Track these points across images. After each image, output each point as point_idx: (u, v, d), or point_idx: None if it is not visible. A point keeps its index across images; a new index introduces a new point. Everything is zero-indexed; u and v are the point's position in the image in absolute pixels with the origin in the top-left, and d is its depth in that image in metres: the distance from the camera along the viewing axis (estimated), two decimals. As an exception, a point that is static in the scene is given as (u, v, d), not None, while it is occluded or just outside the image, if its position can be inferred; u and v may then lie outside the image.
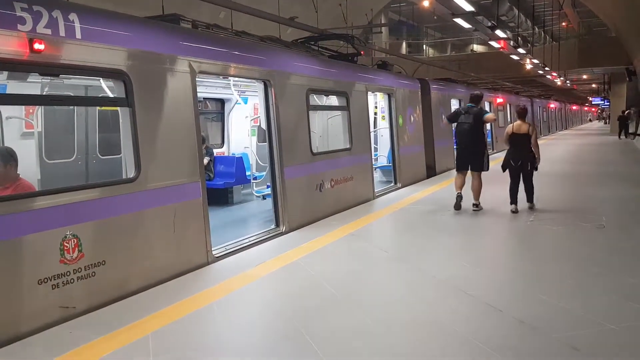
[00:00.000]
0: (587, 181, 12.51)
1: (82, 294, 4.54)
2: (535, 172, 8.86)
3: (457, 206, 8.77)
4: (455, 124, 9.20)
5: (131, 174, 5.19)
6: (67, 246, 4.43)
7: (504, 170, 8.95)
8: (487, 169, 8.96)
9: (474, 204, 8.87)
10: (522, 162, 8.68)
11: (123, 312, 4.51)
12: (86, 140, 7.92)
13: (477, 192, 8.86)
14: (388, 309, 4.60)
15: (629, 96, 30.94)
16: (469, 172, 9.05)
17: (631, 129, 26.81)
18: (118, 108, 5.41)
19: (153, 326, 4.21)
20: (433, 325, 4.21)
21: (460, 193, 8.83)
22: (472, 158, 8.85)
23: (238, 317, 4.51)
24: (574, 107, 61.60)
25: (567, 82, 37.12)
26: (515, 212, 8.56)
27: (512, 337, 3.98)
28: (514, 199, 8.68)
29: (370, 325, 4.22)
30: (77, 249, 4.50)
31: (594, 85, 48.83)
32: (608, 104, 44.72)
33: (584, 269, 5.63)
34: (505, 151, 9.18)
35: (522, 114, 9.06)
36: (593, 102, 65.33)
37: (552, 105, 38.40)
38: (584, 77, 38.97)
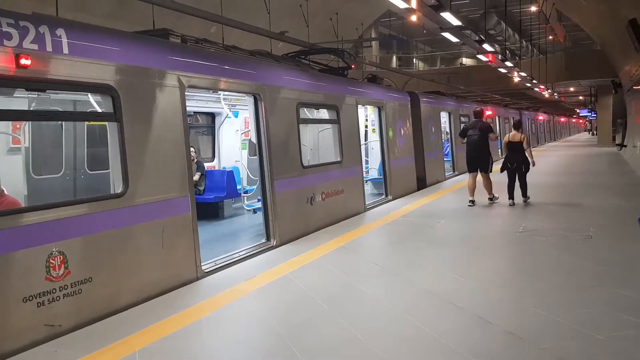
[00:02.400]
0: (574, 192, 12.59)
1: (68, 311, 4.47)
2: (527, 174, 10.62)
3: (472, 203, 10.69)
4: (466, 137, 11.17)
5: (119, 189, 5.14)
6: (53, 263, 4.36)
7: (501, 172, 10.70)
8: (491, 171, 10.86)
9: (489, 198, 10.87)
10: (517, 164, 10.53)
11: (110, 329, 4.44)
12: (74, 156, 7.86)
13: (488, 188, 10.89)
14: (378, 322, 4.58)
15: (615, 108, 31.33)
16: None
17: (618, 140, 27.10)
18: (106, 123, 5.38)
19: (140, 343, 4.15)
20: (422, 338, 4.19)
21: (473, 199, 10.73)
22: (479, 162, 10.82)
23: (227, 333, 4.46)
24: (562, 119, 62.23)
25: (555, 94, 37.53)
26: (512, 205, 10.43)
27: (500, 349, 3.98)
28: (511, 195, 10.60)
29: (360, 339, 4.19)
30: (63, 265, 4.44)
31: (581, 98, 49.37)
32: (595, 115, 45.24)
33: (572, 279, 5.64)
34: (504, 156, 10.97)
35: (517, 125, 11.12)
36: (580, 114, 66.02)
37: (540, 117, 38.76)
38: (571, 89, 39.38)
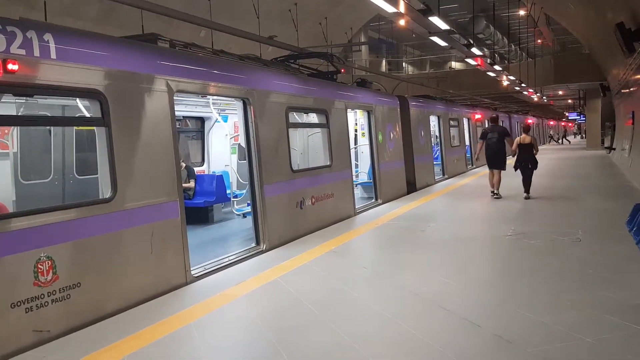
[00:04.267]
0: (564, 194, 12.69)
1: (56, 317, 4.46)
2: (535, 170, 12.22)
3: (497, 194, 12.43)
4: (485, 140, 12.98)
5: (107, 194, 5.13)
6: (41, 268, 4.35)
7: (515, 170, 12.35)
8: (505, 169, 12.69)
9: (493, 192, 12.55)
10: (526, 163, 12.15)
11: (99, 334, 4.43)
12: (63, 160, 7.83)
13: (497, 184, 12.57)
14: (368, 326, 4.59)
15: (604, 111, 31.59)
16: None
17: (607, 143, 27.37)
18: (94, 128, 5.37)
19: (129, 349, 4.14)
20: (412, 342, 4.21)
21: (493, 190, 12.52)
22: (497, 161, 12.60)
23: (216, 338, 4.46)
24: (552, 122, 62.70)
25: (544, 97, 37.81)
26: (527, 198, 11.92)
27: (489, 352, 4.00)
28: (526, 189, 12.18)
29: (349, 343, 4.20)
30: (51, 271, 4.43)
31: (569, 101, 49.78)
32: (584, 119, 45.61)
33: (560, 282, 5.68)
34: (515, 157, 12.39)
35: (526, 129, 12.76)
36: (569, 117, 66.58)
37: (529, 121, 39.04)
38: (560, 92, 39.69)
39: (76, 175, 8.00)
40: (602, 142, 30.13)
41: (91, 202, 5.11)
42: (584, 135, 50.20)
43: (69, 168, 7.90)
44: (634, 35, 12.76)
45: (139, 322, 4.67)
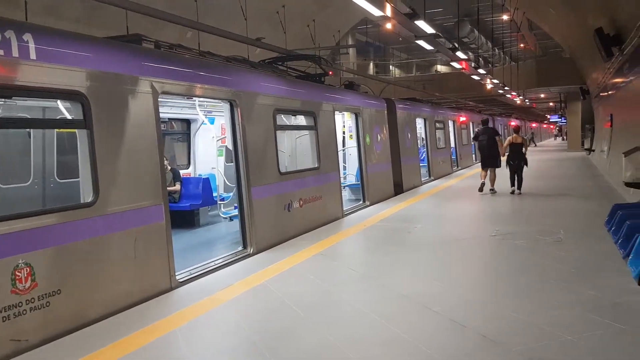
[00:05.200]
0: (546, 195, 12.81)
1: (35, 325, 4.32)
2: (525, 168, 13.22)
3: (481, 189, 13.38)
4: (477, 141, 14.13)
5: (89, 198, 5.01)
6: (19, 275, 4.21)
7: (506, 167, 13.24)
8: (499, 166, 13.52)
9: (491, 189, 13.36)
10: (517, 161, 13.06)
11: (80, 342, 4.30)
12: (43, 164, 7.65)
13: (493, 181, 13.49)
14: (355, 328, 4.54)
15: (584, 114, 32.00)
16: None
17: (587, 145, 27.70)
18: (76, 130, 5.23)
19: (112, 356, 4.03)
20: (399, 343, 4.18)
21: (484, 181, 13.49)
22: (489, 160, 13.55)
23: (202, 343, 4.36)
24: (534, 125, 63.37)
25: (526, 100, 38.20)
26: (513, 193, 13.00)
27: (474, 352, 3.99)
28: (512, 184, 13.16)
29: (338, 346, 4.15)
30: (30, 278, 4.29)
31: (551, 104, 50.39)
32: (565, 121, 46.17)
33: (543, 282, 5.71)
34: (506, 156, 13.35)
35: (517, 130, 13.70)
36: (551, 120, 67.45)
37: (512, 123, 39.43)
38: (542, 95, 40.13)
39: (57, 179, 7.83)
40: (582, 144, 30.53)
41: (72, 207, 4.97)
42: (564, 137, 50.78)
43: (49, 171, 7.72)
44: (613, 40, 13.04)
45: (122, 329, 4.55)
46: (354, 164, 13.35)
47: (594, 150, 24.27)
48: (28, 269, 4.28)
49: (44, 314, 4.39)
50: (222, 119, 10.51)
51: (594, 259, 6.58)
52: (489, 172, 13.59)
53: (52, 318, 4.46)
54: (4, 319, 4.10)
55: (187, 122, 11.37)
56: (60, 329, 4.48)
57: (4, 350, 4.06)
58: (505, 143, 13.41)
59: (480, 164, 14.44)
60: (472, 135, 25.87)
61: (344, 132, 13.83)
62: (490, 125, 14.77)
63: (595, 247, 7.14)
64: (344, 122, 13.68)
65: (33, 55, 4.52)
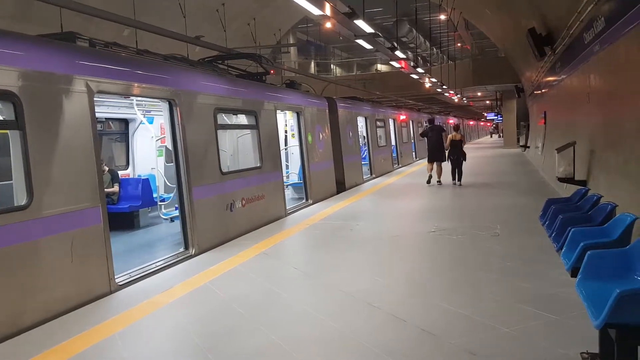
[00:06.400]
0: (483, 191, 13.34)
1: (-34, 334, 4.16)
2: (464, 162, 14.85)
3: (428, 181, 15.08)
4: (427, 137, 15.66)
5: (23, 200, 4.85)
6: (-53, 283, 4.04)
7: (447, 161, 14.88)
8: (445, 160, 15.08)
9: (438, 181, 14.96)
10: (456, 156, 14.70)
11: (14, 350, 4.18)
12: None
13: (440, 174, 15.01)
14: (297, 326, 4.63)
15: (519, 111, 33.36)
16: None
17: (522, 142, 28.92)
18: (8, 131, 5.05)
19: (49, 364, 3.93)
20: (342, 340, 4.29)
21: (431, 174, 15.10)
22: (437, 155, 15.06)
23: (142, 347, 4.33)
24: (471, 122, 65.68)
25: (464, 99, 39.54)
26: (455, 184, 14.60)
27: (415, 346, 4.15)
28: (453, 177, 14.85)
29: (279, 344, 4.22)
30: (-41, 285, 4.12)
31: (487, 102, 52.31)
32: (501, 119, 48.05)
33: (481, 275, 5.98)
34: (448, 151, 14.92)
35: (456, 128, 15.80)
36: (488, 117, 70.04)
37: (451, 121, 40.75)
38: (479, 94, 41.62)
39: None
40: (518, 141, 31.75)
41: (4, 210, 4.80)
42: (500, 134, 52.89)
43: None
44: (545, 40, 13.61)
45: (58, 335, 4.45)
46: (296, 163, 13.45)
47: (529, 147, 25.19)
48: None
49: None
50: (162, 119, 10.34)
51: (529, 253, 6.88)
52: (435, 165, 15.03)
53: (-17, 326, 4.31)
54: None
55: (125, 122, 11.11)
56: (-6, 337, 4.34)
57: None
58: (447, 140, 14.94)
59: (426, 159, 15.83)
60: (413, 134, 26.61)
61: (286, 131, 13.89)
62: (437, 123, 16.50)
63: (530, 241, 7.45)
64: (286, 121, 13.75)
65: (-41, 54, 4.33)
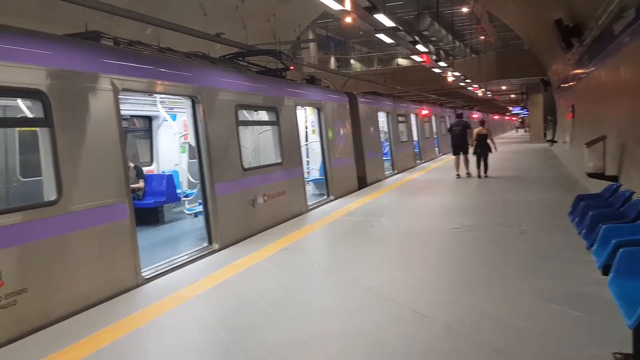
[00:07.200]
0: (510, 187, 13.17)
1: (2, 324, 4.30)
2: (490, 155, 15.50)
3: (458, 176, 15.65)
4: (450, 131, 16.56)
5: (52, 196, 4.98)
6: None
7: (473, 155, 15.51)
8: (468, 153, 15.71)
9: (467, 173, 15.67)
10: (482, 150, 15.34)
11: (45, 342, 4.30)
12: (5, 163, 7.52)
13: (467, 165, 15.73)
14: (320, 321, 4.66)
15: (546, 105, 32.72)
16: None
17: (549, 136, 28.38)
18: (37, 129, 5.19)
19: (77, 355, 4.04)
20: (364, 335, 4.30)
21: (459, 173, 15.76)
22: (461, 148, 15.79)
23: (167, 340, 4.42)
24: (496, 117, 64.84)
25: (488, 93, 39.02)
26: (480, 177, 15.20)
27: (438, 343, 4.11)
28: (478, 171, 15.41)
29: (304, 340, 4.25)
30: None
31: (513, 96, 51.52)
32: (527, 112, 47.25)
33: (506, 273, 5.86)
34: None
35: (482, 123, 16.23)
36: (513, 112, 68.93)
37: (474, 116, 40.32)
38: (503, 88, 41.03)
39: (20, 178, 7.70)
40: (545, 135, 31.15)
41: (35, 205, 4.94)
42: (526, 129, 52.03)
43: (12, 171, 7.60)
44: (572, 31, 13.23)
45: (88, 327, 4.57)
46: (317, 159, 13.48)
47: (556, 142, 24.69)
48: None
49: (10, 313, 4.37)
50: (184, 115, 10.47)
51: (558, 250, 6.68)
52: (461, 157, 15.76)
53: (18, 317, 4.45)
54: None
55: (149, 119, 11.28)
56: (27, 328, 4.47)
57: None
58: (473, 135, 15.49)
59: (450, 153, 16.71)
60: (434, 129, 26.38)
61: (306, 127, 13.92)
62: (464, 118, 16.97)
63: (559, 238, 7.23)
64: (306, 117, 13.78)
65: (-9, 54, 4.47)
